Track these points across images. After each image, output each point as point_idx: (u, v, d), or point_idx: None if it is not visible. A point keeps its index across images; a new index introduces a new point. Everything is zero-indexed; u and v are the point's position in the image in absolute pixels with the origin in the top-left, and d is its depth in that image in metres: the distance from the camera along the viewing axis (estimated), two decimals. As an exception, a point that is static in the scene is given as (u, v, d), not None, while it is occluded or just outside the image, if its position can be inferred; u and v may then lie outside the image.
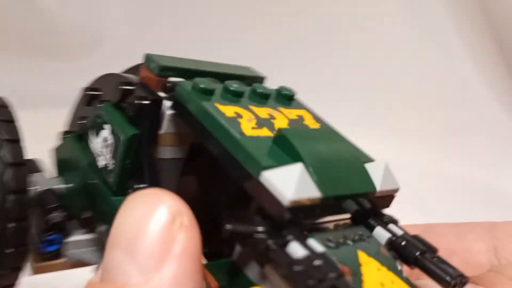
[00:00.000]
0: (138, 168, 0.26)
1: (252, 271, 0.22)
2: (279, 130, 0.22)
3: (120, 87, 0.26)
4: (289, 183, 0.19)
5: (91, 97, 0.30)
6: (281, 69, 0.78)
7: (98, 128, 0.27)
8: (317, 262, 0.18)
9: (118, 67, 0.89)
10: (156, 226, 0.20)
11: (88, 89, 0.30)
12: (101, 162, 0.27)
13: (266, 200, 0.20)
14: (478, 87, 0.88)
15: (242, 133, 0.22)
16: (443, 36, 0.82)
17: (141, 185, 0.26)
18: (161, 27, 0.85)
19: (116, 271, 0.20)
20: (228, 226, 0.19)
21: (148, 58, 0.27)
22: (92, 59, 0.85)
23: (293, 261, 0.18)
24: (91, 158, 0.27)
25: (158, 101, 0.26)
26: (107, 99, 0.28)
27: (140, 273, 0.20)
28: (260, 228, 0.20)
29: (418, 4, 0.81)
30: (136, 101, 0.25)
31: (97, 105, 0.28)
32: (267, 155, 0.21)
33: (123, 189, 0.26)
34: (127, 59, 0.89)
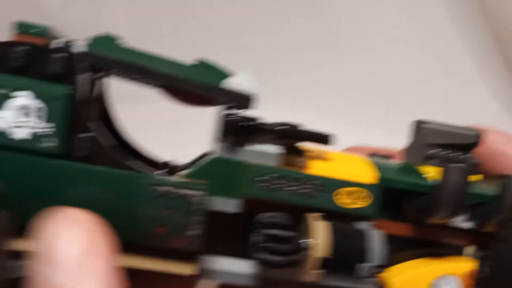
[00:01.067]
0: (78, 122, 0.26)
1: None
2: None
3: (21, 51, 0.25)
4: None
5: None
6: (281, 68, 0.78)
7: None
8: None
9: None
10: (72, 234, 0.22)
11: None
12: (23, 133, 0.25)
13: None
14: (478, 87, 0.88)
15: None
16: (443, 36, 0.82)
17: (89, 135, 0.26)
18: (163, 26, 0.85)
19: None
20: None
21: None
22: None
23: None
24: None
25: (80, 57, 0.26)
26: None
27: None
28: None
29: (418, 4, 0.81)
30: (59, 57, 0.26)
31: None
32: None
33: (71, 148, 0.26)
34: None
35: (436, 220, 0.29)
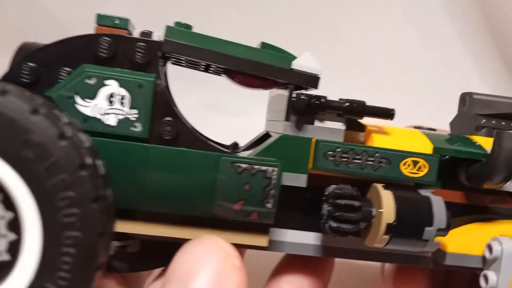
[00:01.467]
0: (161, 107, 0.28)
1: None
2: None
3: (106, 43, 0.27)
4: None
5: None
6: None
7: (92, 90, 0.27)
8: None
9: None
10: (210, 266, 0.24)
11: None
12: (112, 120, 0.27)
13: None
14: (478, 87, 0.87)
15: None
16: (442, 36, 0.81)
17: (174, 121, 0.28)
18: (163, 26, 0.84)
19: None
20: None
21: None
22: None
23: None
24: (90, 122, 0.27)
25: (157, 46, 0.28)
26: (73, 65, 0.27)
27: None
28: None
29: (418, 4, 0.80)
30: (140, 47, 0.28)
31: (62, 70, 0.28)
32: None
33: (156, 131, 0.28)
34: None
35: (490, 185, 0.31)
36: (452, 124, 0.37)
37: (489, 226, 0.32)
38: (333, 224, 0.28)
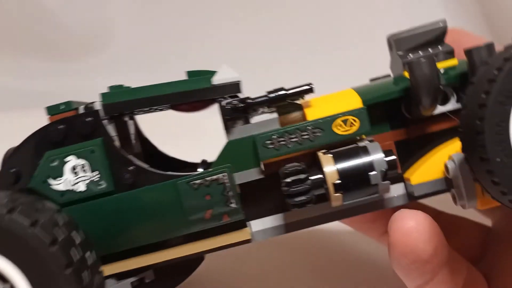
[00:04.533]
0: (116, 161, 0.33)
1: None
2: None
3: (56, 129, 0.33)
4: None
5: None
6: (280, 67, 0.79)
7: (58, 170, 0.32)
8: None
9: (123, 67, 0.88)
10: None
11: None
12: (81, 186, 0.33)
13: None
14: None
15: None
16: None
17: (131, 167, 0.33)
18: (163, 25, 0.86)
19: None
20: None
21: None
22: (97, 59, 0.86)
23: None
24: (66, 195, 0.33)
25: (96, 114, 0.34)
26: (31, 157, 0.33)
27: None
28: None
29: (418, 4, 0.78)
30: (83, 122, 0.33)
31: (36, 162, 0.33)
32: None
33: (119, 181, 0.33)
34: (132, 60, 0.89)
35: (427, 111, 0.33)
36: (391, 68, 0.39)
37: (442, 148, 0.34)
38: (290, 200, 0.32)
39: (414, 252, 0.30)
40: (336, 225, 0.45)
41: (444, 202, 0.37)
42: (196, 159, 0.41)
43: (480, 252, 0.40)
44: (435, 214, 0.42)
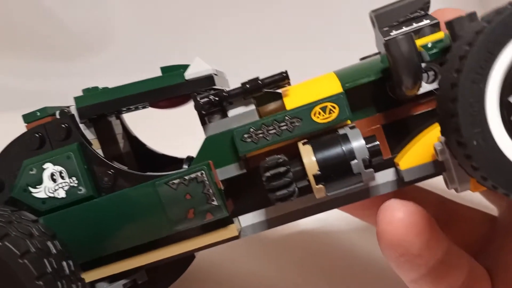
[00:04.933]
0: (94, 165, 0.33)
1: None
2: None
3: (32, 137, 0.33)
4: None
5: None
6: (279, 67, 0.77)
7: (37, 178, 0.32)
8: None
9: (123, 67, 0.88)
10: None
11: None
12: (61, 193, 0.32)
13: None
14: None
15: None
16: None
17: (109, 171, 0.33)
18: (163, 25, 0.86)
19: None
20: None
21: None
22: (97, 59, 0.87)
23: None
24: (48, 202, 0.33)
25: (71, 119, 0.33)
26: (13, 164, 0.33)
27: None
28: None
29: None
30: (57, 127, 0.33)
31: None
32: None
33: (98, 185, 0.33)
34: (132, 59, 0.89)
35: (411, 91, 0.31)
36: (377, 46, 0.37)
37: (430, 130, 0.32)
38: (272, 195, 0.31)
39: (401, 245, 0.29)
40: (336, 226, 0.44)
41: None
42: (186, 153, 0.41)
43: (484, 244, 0.38)
44: (439, 202, 0.40)
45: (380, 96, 0.33)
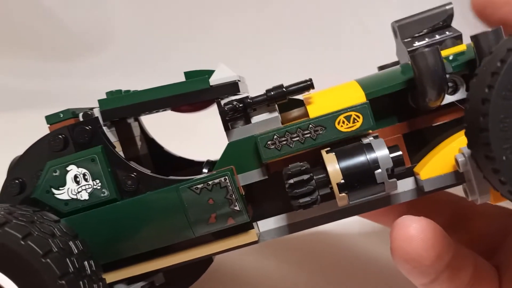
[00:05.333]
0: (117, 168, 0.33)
1: None
2: None
3: (56, 139, 0.33)
4: None
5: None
6: (280, 66, 0.77)
7: (60, 179, 0.33)
8: None
9: (123, 67, 0.88)
10: None
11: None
12: (84, 195, 0.33)
13: None
14: None
15: None
16: None
17: (132, 174, 0.33)
18: (163, 25, 0.85)
19: None
20: None
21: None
22: (97, 59, 0.87)
23: None
24: (70, 204, 0.33)
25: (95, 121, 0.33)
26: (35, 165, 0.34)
27: None
28: None
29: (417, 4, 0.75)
30: (81, 130, 0.33)
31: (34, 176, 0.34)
32: None
33: (121, 188, 0.33)
34: (132, 59, 0.89)
35: (434, 103, 0.31)
36: (397, 56, 0.37)
37: (452, 140, 0.32)
38: (294, 202, 0.31)
39: (415, 259, 0.30)
40: (337, 225, 0.44)
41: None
42: (202, 157, 0.41)
43: (499, 239, 0.39)
44: (453, 200, 0.41)
45: (402, 106, 0.34)
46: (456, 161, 0.31)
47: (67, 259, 0.30)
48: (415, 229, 0.30)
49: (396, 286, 0.44)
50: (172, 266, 0.34)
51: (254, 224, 0.34)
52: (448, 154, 0.32)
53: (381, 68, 0.40)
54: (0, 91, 0.83)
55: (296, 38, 0.80)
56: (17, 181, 0.34)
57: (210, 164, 0.39)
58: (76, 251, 0.31)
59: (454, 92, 0.33)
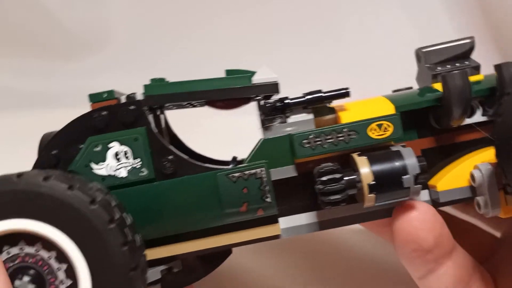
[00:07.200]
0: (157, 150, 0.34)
1: None
2: None
3: (100, 116, 0.34)
4: None
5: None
6: (279, 67, 0.80)
7: (101, 155, 0.34)
8: None
9: (122, 67, 0.89)
10: None
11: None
12: (123, 172, 0.34)
13: None
14: None
15: None
16: (442, 35, 0.78)
17: (171, 157, 0.34)
18: (166, 26, 0.86)
19: None
20: None
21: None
22: (96, 59, 0.86)
23: None
24: (107, 180, 0.34)
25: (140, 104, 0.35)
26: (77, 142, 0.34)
27: None
28: None
29: (418, 3, 0.80)
30: (128, 110, 0.34)
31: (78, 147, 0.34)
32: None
33: (159, 170, 0.34)
34: (132, 59, 0.90)
35: (456, 122, 0.35)
36: (417, 79, 0.41)
37: (468, 158, 0.36)
38: (324, 199, 0.33)
39: (415, 240, 0.33)
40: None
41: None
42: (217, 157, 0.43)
43: (488, 254, 0.42)
44: (447, 217, 0.44)
45: (423, 123, 0.37)
46: (472, 176, 0.34)
47: (125, 229, 0.31)
48: (416, 210, 0.33)
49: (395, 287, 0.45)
50: (194, 252, 0.35)
51: (278, 219, 0.36)
52: (463, 170, 0.35)
53: (395, 91, 0.43)
54: (0, 91, 0.81)
55: (297, 37, 0.81)
56: (54, 153, 0.34)
57: (236, 162, 0.41)
58: (129, 222, 0.31)
59: (471, 115, 0.36)
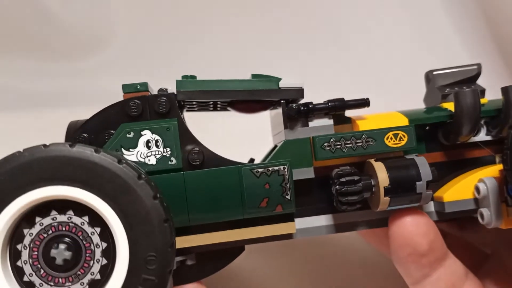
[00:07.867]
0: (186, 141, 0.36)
1: None
2: None
3: (135, 104, 0.35)
4: None
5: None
6: (280, 67, 0.81)
7: (133, 141, 0.35)
8: None
9: (123, 67, 0.89)
10: None
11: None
12: (152, 160, 0.35)
13: None
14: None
15: None
16: (442, 35, 0.82)
17: (199, 149, 0.36)
18: (166, 26, 0.84)
19: None
20: None
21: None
22: (97, 59, 0.85)
23: None
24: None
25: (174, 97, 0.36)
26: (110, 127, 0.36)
27: None
28: None
29: (418, 3, 0.83)
30: (162, 101, 0.36)
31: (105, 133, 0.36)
32: None
33: (187, 160, 0.35)
34: (132, 60, 0.90)
35: (463, 138, 0.37)
36: (425, 100, 0.44)
37: (473, 172, 0.38)
38: (342, 199, 0.35)
39: (410, 244, 0.35)
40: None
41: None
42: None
43: (476, 268, 0.44)
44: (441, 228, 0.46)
45: (431, 138, 0.39)
46: (477, 188, 0.37)
47: (164, 207, 0.32)
48: (410, 216, 0.36)
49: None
50: (209, 246, 0.36)
51: (294, 218, 0.37)
52: (469, 184, 0.38)
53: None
54: (0, 91, 0.81)
55: (297, 40, 0.82)
56: (85, 136, 0.35)
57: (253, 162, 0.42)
58: (165, 204, 0.33)
59: (476, 133, 0.39)
